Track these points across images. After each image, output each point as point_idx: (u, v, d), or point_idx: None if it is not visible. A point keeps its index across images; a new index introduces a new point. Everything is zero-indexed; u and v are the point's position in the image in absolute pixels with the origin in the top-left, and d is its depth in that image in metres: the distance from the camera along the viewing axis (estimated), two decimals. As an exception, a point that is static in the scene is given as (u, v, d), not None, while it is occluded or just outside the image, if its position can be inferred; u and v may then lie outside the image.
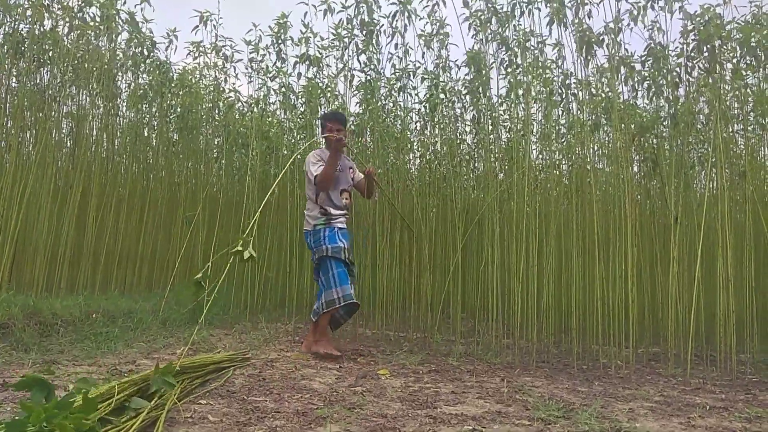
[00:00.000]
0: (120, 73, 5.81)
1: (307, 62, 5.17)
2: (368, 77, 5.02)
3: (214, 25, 5.61)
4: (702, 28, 3.77)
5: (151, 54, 5.85)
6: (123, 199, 5.78)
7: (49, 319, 3.69)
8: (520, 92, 4.35)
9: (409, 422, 2.27)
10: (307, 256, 5.43)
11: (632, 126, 4.33)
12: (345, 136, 4.02)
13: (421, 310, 4.92)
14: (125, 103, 5.98)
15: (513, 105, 4.67)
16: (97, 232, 5.39)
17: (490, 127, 4.75)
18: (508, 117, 4.88)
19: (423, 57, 6.12)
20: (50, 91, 5.25)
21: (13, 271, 4.83)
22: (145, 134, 6.29)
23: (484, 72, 4.38)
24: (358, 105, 5.42)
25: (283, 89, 5.54)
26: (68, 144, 5.71)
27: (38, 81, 5.24)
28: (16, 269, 4.90)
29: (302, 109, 5.72)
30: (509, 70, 4.38)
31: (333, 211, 3.96)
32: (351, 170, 4.19)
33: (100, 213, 5.45)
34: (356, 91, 5.22)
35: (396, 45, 4.84)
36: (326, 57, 5.31)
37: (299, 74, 5.28)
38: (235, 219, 5.79)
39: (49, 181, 5.01)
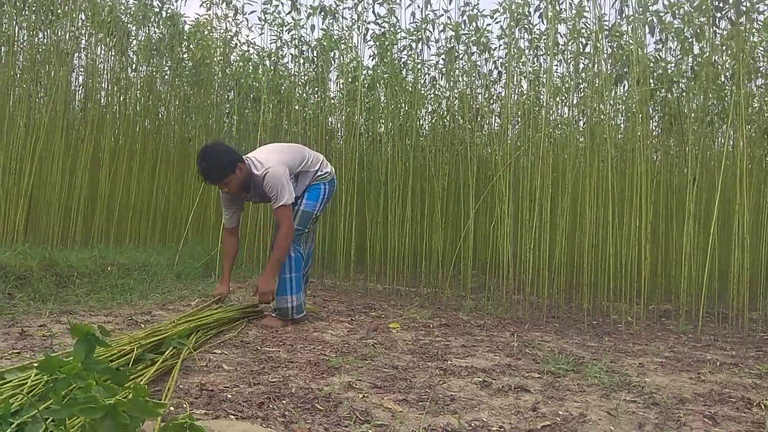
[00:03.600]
0: (132, 26, 5.72)
1: (322, 13, 5.04)
2: (383, 29, 4.91)
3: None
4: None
5: (163, 6, 5.73)
6: (135, 153, 5.78)
7: (65, 271, 3.74)
8: (549, 43, 4.22)
9: (420, 373, 2.30)
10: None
11: (651, 81, 4.21)
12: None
13: (432, 265, 4.94)
14: (137, 57, 5.91)
15: (535, 57, 4.54)
16: (110, 186, 5.42)
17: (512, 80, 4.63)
18: (530, 70, 4.74)
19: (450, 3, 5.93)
20: (62, 45, 5.19)
21: (28, 224, 4.89)
22: (158, 88, 6.24)
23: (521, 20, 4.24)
24: (371, 58, 5.32)
25: (296, 41, 5.44)
26: (80, 96, 5.68)
27: (48, 35, 5.19)
28: (32, 222, 4.96)
29: (315, 62, 5.62)
30: (544, 16, 4.25)
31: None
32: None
33: (113, 167, 5.47)
34: (371, 43, 5.10)
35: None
36: (342, 9, 5.19)
37: (312, 26, 5.17)
38: (247, 174, 5.77)
39: (60, 135, 5.01)
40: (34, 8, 4.96)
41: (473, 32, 4.75)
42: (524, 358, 2.67)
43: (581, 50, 4.21)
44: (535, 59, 4.61)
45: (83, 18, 5.33)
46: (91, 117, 5.37)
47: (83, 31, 5.39)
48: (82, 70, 5.58)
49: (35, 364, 1.60)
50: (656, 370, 2.57)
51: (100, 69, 5.57)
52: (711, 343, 3.32)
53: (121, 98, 5.91)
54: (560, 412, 1.89)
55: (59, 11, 5.09)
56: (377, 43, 5.08)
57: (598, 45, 4.05)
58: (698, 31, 3.84)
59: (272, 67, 5.70)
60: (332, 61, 5.45)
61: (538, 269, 3.98)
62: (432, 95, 5.69)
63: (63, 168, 5.03)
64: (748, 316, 3.65)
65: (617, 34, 4.04)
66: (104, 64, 5.64)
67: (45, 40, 5.18)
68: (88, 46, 5.50)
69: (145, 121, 6.13)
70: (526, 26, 4.37)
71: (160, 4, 5.68)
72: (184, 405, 1.76)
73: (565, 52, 4.34)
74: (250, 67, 5.93)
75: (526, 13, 4.32)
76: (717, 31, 3.84)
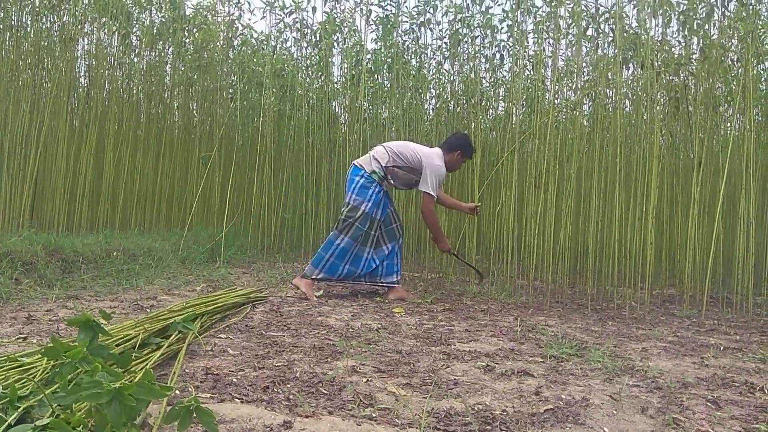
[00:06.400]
0: (134, 10, 5.68)
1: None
2: (386, 12, 4.87)
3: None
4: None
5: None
6: (139, 138, 5.78)
7: (70, 257, 3.77)
8: (551, 25, 4.17)
9: (423, 358, 2.31)
10: (323, 197, 5.44)
11: (656, 64, 4.17)
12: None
13: (436, 250, 4.94)
14: (141, 42, 5.88)
15: (539, 40, 4.49)
16: (114, 171, 5.43)
17: (515, 65, 4.59)
18: (533, 53, 4.70)
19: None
20: (66, 30, 5.17)
21: (34, 210, 4.91)
22: (161, 73, 6.22)
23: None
24: (374, 42, 5.29)
25: (297, 25, 5.40)
26: (84, 82, 5.67)
27: (53, 20, 5.17)
28: (37, 208, 4.99)
29: (318, 46, 5.59)
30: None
31: (386, 182, 3.81)
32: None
33: (117, 153, 5.47)
34: (374, 26, 5.07)
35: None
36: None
37: (314, 8, 5.14)
38: (250, 159, 5.78)
39: (64, 121, 5.02)
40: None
41: (476, 15, 4.71)
42: (527, 343, 2.68)
43: (583, 33, 4.16)
44: (539, 43, 4.57)
45: (85, 2, 5.30)
46: (95, 102, 5.37)
47: (87, 16, 5.37)
48: (86, 54, 5.57)
49: (41, 349, 1.62)
50: (659, 354, 2.58)
51: (103, 54, 5.55)
52: (715, 327, 3.32)
53: (125, 84, 5.90)
54: (563, 396, 1.90)
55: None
56: (380, 27, 5.04)
57: (600, 28, 4.00)
58: (707, 12, 3.78)
59: (272, 52, 5.67)
60: (335, 45, 5.42)
61: (542, 254, 3.98)
62: (436, 79, 5.65)
63: (68, 153, 5.04)
64: (752, 300, 3.64)
65: (616, 15, 3.98)
66: (108, 49, 5.62)
67: (49, 26, 5.16)
68: (91, 31, 5.48)
69: (149, 106, 6.12)
70: (529, 8, 4.33)
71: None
72: (190, 389, 1.77)
73: (569, 36, 4.30)
74: (250, 51, 5.91)
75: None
76: (726, 12, 3.78)
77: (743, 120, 3.93)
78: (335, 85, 5.79)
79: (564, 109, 4.67)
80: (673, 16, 3.91)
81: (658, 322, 3.42)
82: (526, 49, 4.68)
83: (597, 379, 2.13)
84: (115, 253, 4.13)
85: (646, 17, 3.87)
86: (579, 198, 4.40)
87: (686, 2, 3.82)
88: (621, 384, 2.06)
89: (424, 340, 2.63)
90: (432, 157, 3.74)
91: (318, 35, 5.45)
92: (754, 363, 2.48)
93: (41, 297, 3.09)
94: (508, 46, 4.82)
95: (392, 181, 3.82)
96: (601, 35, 4.13)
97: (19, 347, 2.12)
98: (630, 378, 2.15)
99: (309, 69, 5.86)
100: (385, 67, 5.31)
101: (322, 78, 5.76)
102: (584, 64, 4.46)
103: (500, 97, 5.43)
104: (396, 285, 3.84)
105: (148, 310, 2.87)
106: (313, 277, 3.70)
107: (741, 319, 3.59)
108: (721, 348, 2.76)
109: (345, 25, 5.30)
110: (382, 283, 3.85)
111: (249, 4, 6.62)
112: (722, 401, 1.92)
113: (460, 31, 4.79)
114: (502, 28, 4.77)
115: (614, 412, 1.78)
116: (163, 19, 5.84)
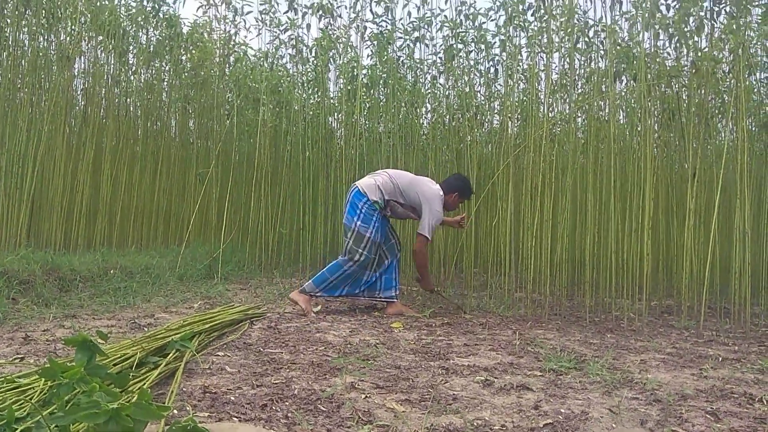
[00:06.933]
0: (131, 28, 5.72)
1: (320, 12, 5.05)
2: (381, 29, 4.92)
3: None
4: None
5: (160, 8, 5.73)
6: (136, 155, 5.80)
7: (68, 275, 3.76)
8: (543, 39, 4.22)
9: (422, 373, 2.31)
10: (320, 212, 5.46)
11: (648, 76, 4.21)
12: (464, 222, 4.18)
13: (434, 264, 4.94)
14: (137, 60, 5.92)
15: (533, 54, 4.54)
16: (111, 189, 5.44)
17: (509, 79, 4.64)
18: (527, 66, 4.75)
19: (446, 3, 5.84)
20: (63, 48, 5.21)
21: (31, 228, 4.91)
22: (158, 90, 6.25)
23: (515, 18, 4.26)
24: (369, 58, 5.33)
25: (293, 42, 5.45)
26: (81, 101, 5.70)
27: (50, 38, 5.21)
28: (34, 226, 4.99)
29: (313, 63, 5.63)
30: (537, 15, 4.26)
31: (383, 211, 3.82)
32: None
33: (114, 170, 5.48)
34: (369, 42, 5.12)
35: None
36: (338, 7, 5.21)
37: (308, 26, 5.18)
38: (247, 175, 5.79)
39: (62, 139, 5.03)
40: (34, 10, 4.97)
41: (470, 30, 4.76)
42: (526, 356, 2.68)
43: (575, 47, 4.21)
44: (533, 56, 4.61)
45: (82, 21, 5.35)
46: (92, 120, 5.39)
47: (83, 35, 5.41)
48: (83, 73, 5.60)
49: (39, 370, 1.61)
50: (658, 366, 2.58)
51: (100, 72, 5.58)
52: (713, 338, 3.32)
53: (122, 101, 5.93)
54: (562, 410, 1.89)
55: (59, 14, 5.11)
56: (375, 43, 5.09)
57: (592, 41, 4.04)
58: (696, 26, 3.82)
59: (269, 68, 5.71)
60: (331, 61, 5.46)
61: (539, 266, 3.99)
62: (431, 94, 5.69)
63: (65, 172, 5.05)
64: (750, 310, 3.64)
65: (608, 29, 4.03)
66: (105, 67, 5.66)
67: (46, 45, 5.20)
68: (88, 50, 5.52)
69: (146, 123, 6.15)
70: (521, 24, 4.38)
71: (156, 7, 5.68)
72: (188, 408, 1.77)
73: (561, 49, 4.34)
74: (247, 68, 5.95)
75: (521, 11, 4.34)
76: (716, 25, 3.82)
77: (736, 130, 3.96)
78: (331, 101, 5.82)
79: (558, 122, 4.70)
80: (663, 29, 3.95)
81: (657, 333, 3.42)
82: (520, 63, 4.73)
83: (596, 392, 2.12)
84: (112, 271, 4.12)
85: (642, 29, 3.91)
86: (575, 210, 4.41)
87: (672, 15, 3.85)
88: (620, 397, 2.06)
89: (422, 355, 2.63)
90: (433, 201, 3.76)
91: (314, 52, 5.49)
92: (752, 374, 2.48)
93: (38, 316, 3.08)
94: (502, 60, 4.87)
95: (389, 212, 3.88)
96: (593, 48, 4.18)
97: (16, 368, 2.11)
98: (629, 390, 2.15)
99: (305, 85, 5.90)
100: (381, 82, 5.35)
101: (319, 94, 5.80)
102: (577, 78, 4.50)
103: (495, 111, 5.47)
104: (394, 300, 3.84)
105: (146, 329, 2.86)
106: (312, 293, 3.70)
107: (739, 329, 3.59)
108: (720, 359, 2.76)
109: (340, 41, 5.35)
110: (380, 297, 3.86)
111: (245, 21, 6.68)
112: (721, 413, 1.92)
113: (455, 46, 4.84)
114: (495, 42, 4.82)
115: (613, 425, 1.78)
116: (159, 38, 5.88)
